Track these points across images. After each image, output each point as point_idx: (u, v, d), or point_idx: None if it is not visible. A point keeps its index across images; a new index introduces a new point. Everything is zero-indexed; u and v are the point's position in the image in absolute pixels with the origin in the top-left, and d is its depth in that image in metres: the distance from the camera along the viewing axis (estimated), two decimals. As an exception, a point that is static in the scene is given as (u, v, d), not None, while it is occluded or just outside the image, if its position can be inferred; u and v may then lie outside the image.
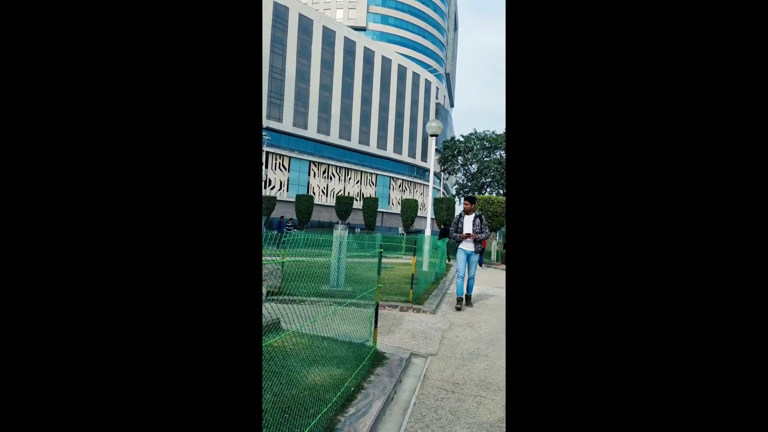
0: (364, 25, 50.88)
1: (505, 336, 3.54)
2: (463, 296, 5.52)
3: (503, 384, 2.66)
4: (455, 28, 75.20)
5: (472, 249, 5.43)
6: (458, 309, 5.27)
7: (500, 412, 2.21)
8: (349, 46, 40.88)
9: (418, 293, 5.67)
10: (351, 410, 1.97)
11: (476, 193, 18.87)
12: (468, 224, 5.42)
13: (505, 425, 2.07)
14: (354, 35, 41.95)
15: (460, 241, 5.48)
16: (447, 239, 9.48)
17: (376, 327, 2.99)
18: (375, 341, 2.95)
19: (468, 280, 5.60)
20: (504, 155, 22.06)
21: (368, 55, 42.89)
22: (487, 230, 5.51)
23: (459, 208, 6.08)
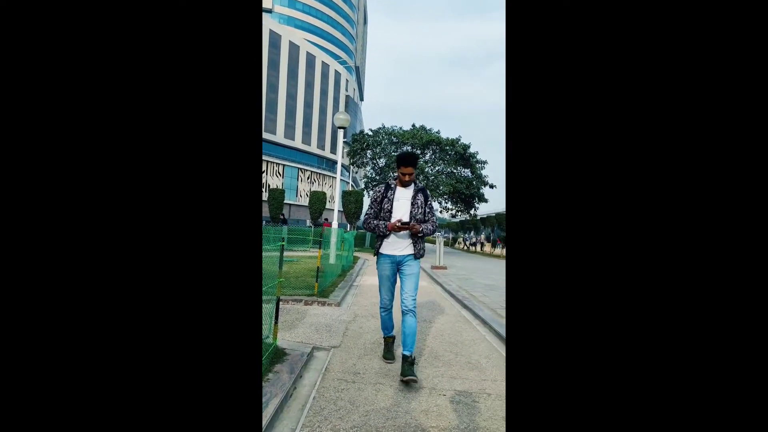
0: (270, 6, 48.29)
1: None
2: (392, 336, 2.91)
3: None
4: (365, 22, 75.65)
5: (409, 251, 2.68)
6: (387, 360, 2.86)
7: (398, 397, 2.31)
8: (254, 28, 38.45)
9: (323, 286, 5.63)
10: (245, 412, 1.88)
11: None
12: (404, 203, 2.68)
13: (401, 409, 2.16)
14: (259, 16, 39.55)
15: (386, 236, 2.67)
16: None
17: (276, 323, 2.89)
18: (275, 338, 2.86)
19: (403, 316, 2.61)
20: (410, 150, 22.95)
21: (274, 39, 40.90)
22: (434, 219, 2.75)
23: (368, 201, 3.22)
